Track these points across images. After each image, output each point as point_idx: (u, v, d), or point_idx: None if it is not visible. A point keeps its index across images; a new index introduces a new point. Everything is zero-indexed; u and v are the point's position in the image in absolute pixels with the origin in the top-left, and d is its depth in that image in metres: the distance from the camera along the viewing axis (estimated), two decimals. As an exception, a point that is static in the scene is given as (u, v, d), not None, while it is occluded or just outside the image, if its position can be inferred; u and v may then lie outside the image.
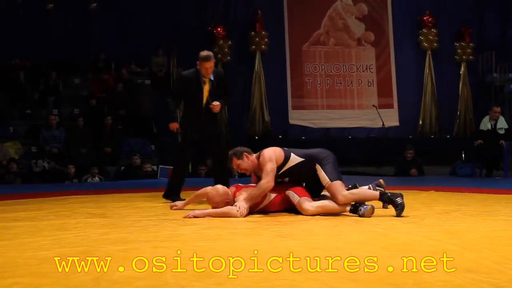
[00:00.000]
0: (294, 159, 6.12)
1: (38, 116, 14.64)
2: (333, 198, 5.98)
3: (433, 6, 17.77)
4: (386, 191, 5.99)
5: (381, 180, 6.48)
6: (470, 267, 3.50)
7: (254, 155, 6.25)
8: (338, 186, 5.96)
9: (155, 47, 16.44)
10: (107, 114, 14.37)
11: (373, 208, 5.83)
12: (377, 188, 6.30)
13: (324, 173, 6.02)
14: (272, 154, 6.08)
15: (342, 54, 17.81)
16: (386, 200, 5.91)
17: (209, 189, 6.35)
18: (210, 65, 7.57)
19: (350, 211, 5.89)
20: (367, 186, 6.37)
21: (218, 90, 7.64)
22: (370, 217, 5.75)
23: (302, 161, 6.11)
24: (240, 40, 17.07)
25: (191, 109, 7.70)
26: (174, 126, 7.97)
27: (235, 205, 5.91)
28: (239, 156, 6.23)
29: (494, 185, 9.90)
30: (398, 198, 5.80)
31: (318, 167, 6.06)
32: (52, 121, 13.79)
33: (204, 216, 5.88)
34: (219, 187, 6.32)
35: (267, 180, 5.94)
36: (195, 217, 5.84)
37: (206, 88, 7.60)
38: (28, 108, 14.86)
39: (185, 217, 5.84)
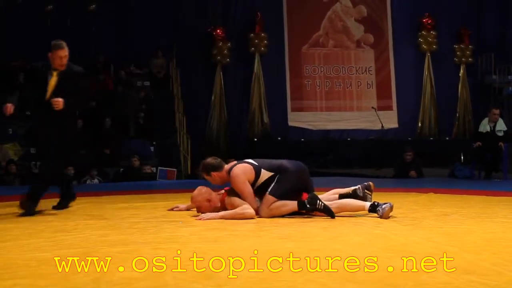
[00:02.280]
0: (265, 174, 6.07)
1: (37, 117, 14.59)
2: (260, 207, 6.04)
3: (432, 8, 17.79)
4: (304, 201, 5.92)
5: (371, 183, 6.50)
6: (469, 269, 3.51)
7: (225, 167, 6.23)
8: (268, 200, 5.96)
9: (154, 49, 16.45)
10: (106, 116, 14.36)
11: (391, 207, 5.88)
12: (365, 192, 6.34)
13: (272, 185, 6.01)
14: (243, 177, 6.03)
15: (341, 56, 17.82)
16: (309, 210, 5.94)
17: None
18: (65, 53, 6.98)
19: (369, 210, 5.94)
20: (357, 187, 6.41)
21: (69, 86, 6.80)
22: (388, 217, 5.79)
23: (272, 175, 6.06)
24: (240, 42, 17.08)
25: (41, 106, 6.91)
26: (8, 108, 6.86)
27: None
28: (208, 173, 6.26)
29: (493, 187, 9.91)
30: (318, 202, 5.85)
31: (276, 178, 6.04)
32: (51, 123, 13.76)
33: (218, 218, 5.88)
34: (202, 187, 6.30)
35: (251, 210, 5.92)
36: (207, 219, 5.85)
37: (52, 82, 6.89)
38: (27, 109, 14.82)
39: (198, 219, 5.85)
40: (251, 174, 6.06)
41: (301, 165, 6.25)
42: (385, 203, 5.89)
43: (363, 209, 6.01)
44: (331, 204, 5.97)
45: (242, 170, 6.07)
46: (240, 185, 6.00)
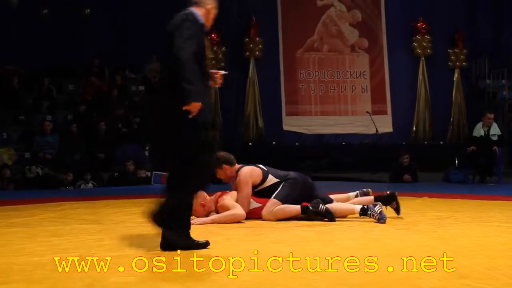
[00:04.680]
0: (271, 179, 6.28)
1: (32, 122, 14.60)
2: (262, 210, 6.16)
3: (426, 13, 17.80)
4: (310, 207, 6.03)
5: (369, 190, 6.54)
6: (463, 273, 3.51)
7: (237, 165, 6.37)
8: (272, 202, 6.11)
9: (149, 53, 16.43)
10: (100, 120, 14.34)
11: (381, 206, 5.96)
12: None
13: (278, 190, 6.19)
14: (248, 178, 6.21)
15: (336, 60, 17.82)
16: (311, 214, 6.01)
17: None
18: None
19: (360, 214, 5.97)
20: (355, 193, 6.47)
21: None
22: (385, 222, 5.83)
23: (278, 181, 6.25)
24: (235, 46, 17.07)
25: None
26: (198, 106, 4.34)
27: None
28: (220, 165, 6.33)
29: (487, 192, 9.93)
30: (321, 205, 5.95)
31: (281, 184, 6.23)
32: (46, 127, 13.75)
33: (210, 222, 5.89)
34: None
35: (240, 210, 6.01)
36: (199, 224, 5.86)
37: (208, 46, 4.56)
38: (22, 114, 14.82)
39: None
40: (258, 177, 6.26)
41: (307, 178, 6.45)
42: (375, 205, 5.92)
43: (353, 212, 6.06)
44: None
45: (250, 171, 6.27)
46: (242, 185, 6.15)
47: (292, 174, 6.33)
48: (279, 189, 6.17)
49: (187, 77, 4.30)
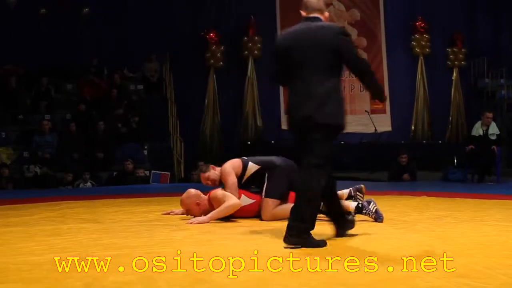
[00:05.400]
0: (252, 167, 6.28)
1: (30, 121, 14.59)
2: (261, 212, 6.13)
3: (425, 12, 17.80)
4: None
5: (362, 186, 6.52)
6: (462, 272, 3.51)
7: (217, 168, 6.46)
8: (268, 204, 6.07)
9: (147, 52, 16.42)
10: (99, 119, 14.33)
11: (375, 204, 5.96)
12: (357, 194, 6.37)
13: (265, 185, 6.15)
14: (229, 168, 6.26)
15: (335, 59, 17.80)
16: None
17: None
18: None
19: (355, 212, 5.94)
20: (348, 190, 6.45)
21: None
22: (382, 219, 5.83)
23: (259, 168, 6.26)
24: (233, 46, 17.06)
25: None
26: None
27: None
28: (206, 169, 6.42)
29: (486, 191, 9.93)
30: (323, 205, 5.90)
31: (266, 176, 6.20)
32: (44, 126, 13.74)
33: (208, 220, 5.89)
34: (191, 190, 6.38)
35: (234, 199, 6.01)
36: (197, 223, 5.85)
37: None
38: (20, 113, 14.82)
39: (188, 223, 5.84)
40: (239, 167, 6.29)
41: (291, 162, 6.31)
42: (369, 203, 5.90)
43: (347, 209, 6.03)
44: None
45: (230, 163, 6.34)
46: (226, 176, 6.19)
47: (276, 161, 6.29)
48: (265, 183, 6.12)
49: (379, 83, 5.28)
